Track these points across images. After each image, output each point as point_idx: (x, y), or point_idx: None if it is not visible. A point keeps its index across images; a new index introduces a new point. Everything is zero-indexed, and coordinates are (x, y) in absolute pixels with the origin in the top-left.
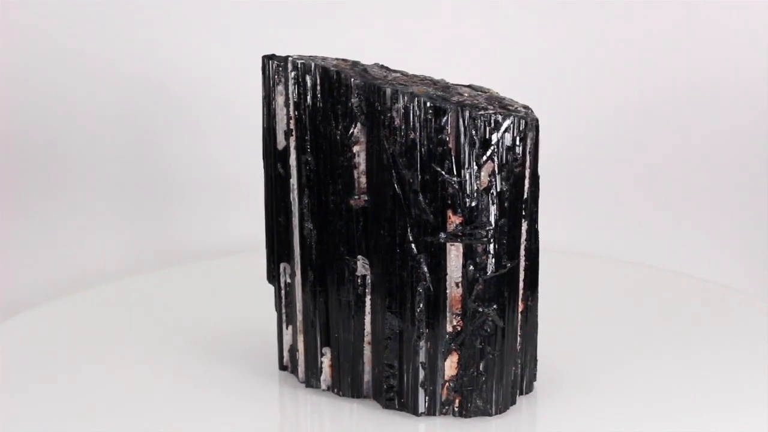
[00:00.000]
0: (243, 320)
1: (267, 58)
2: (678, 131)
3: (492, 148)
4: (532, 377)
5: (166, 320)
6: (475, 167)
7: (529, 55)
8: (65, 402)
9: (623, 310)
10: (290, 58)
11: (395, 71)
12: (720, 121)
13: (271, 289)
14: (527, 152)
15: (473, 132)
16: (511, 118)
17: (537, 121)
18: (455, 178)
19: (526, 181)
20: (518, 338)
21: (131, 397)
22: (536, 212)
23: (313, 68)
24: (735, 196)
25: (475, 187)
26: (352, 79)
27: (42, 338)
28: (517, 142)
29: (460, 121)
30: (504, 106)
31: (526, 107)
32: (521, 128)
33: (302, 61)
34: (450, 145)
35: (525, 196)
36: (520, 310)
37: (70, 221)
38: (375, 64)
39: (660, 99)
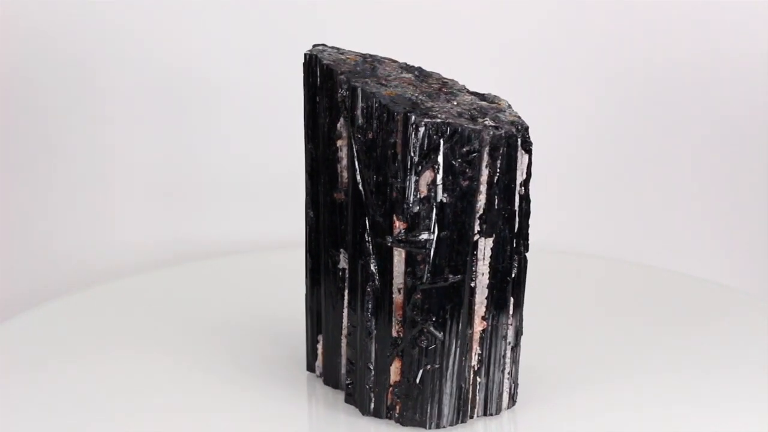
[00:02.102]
0: (274, 307)
1: (315, 46)
2: (678, 130)
3: (431, 157)
4: (504, 400)
5: (169, 318)
6: (415, 175)
7: (530, 53)
8: (67, 402)
9: (622, 311)
10: (307, 50)
11: (414, 71)
12: (720, 120)
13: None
14: (484, 167)
15: (415, 139)
16: (459, 130)
17: (513, 139)
18: (399, 184)
19: (481, 197)
20: (475, 357)
21: (133, 395)
22: (508, 231)
23: (316, 60)
24: (735, 196)
25: (414, 195)
26: (339, 75)
27: (42, 339)
28: (466, 156)
29: (408, 126)
30: (474, 118)
31: (513, 124)
32: (473, 142)
33: (312, 53)
34: (397, 149)
35: (480, 212)
36: (479, 328)
37: (70, 221)
38: (401, 63)
39: (661, 98)
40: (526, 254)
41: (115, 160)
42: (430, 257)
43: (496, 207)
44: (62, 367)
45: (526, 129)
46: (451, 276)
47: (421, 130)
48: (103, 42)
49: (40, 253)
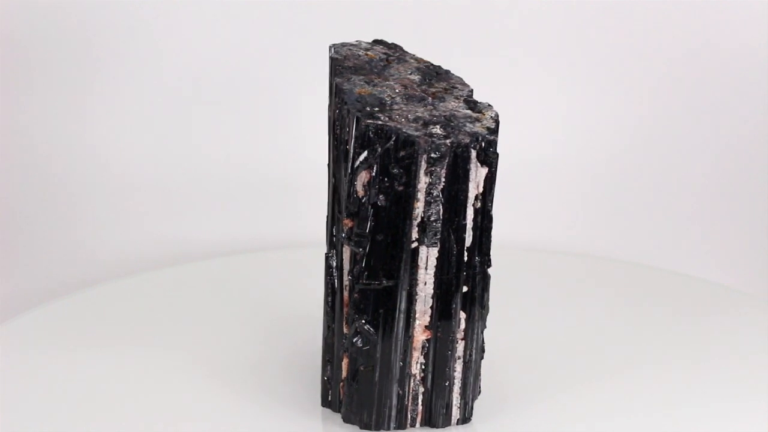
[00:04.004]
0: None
1: (375, 42)
2: (678, 130)
3: (364, 157)
4: (454, 415)
5: (171, 318)
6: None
7: (530, 54)
8: (66, 403)
9: (620, 311)
10: (332, 43)
11: (430, 73)
12: (720, 120)
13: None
14: (422, 174)
15: (355, 138)
16: (397, 134)
17: (464, 150)
18: (346, 182)
19: (419, 204)
20: (416, 365)
21: (135, 397)
22: (456, 243)
23: (332, 53)
24: (735, 196)
25: (354, 194)
26: (337, 68)
27: (41, 340)
28: (402, 161)
29: (354, 126)
30: (428, 124)
31: (473, 135)
32: (408, 148)
33: (334, 46)
34: (348, 147)
35: (419, 219)
36: (422, 337)
37: (70, 220)
38: (423, 65)
39: (661, 98)
40: (487, 270)
41: (115, 160)
42: (366, 259)
43: (441, 217)
44: (61, 368)
45: (489, 143)
46: (384, 280)
47: (361, 130)
48: (107, 39)
49: (40, 253)
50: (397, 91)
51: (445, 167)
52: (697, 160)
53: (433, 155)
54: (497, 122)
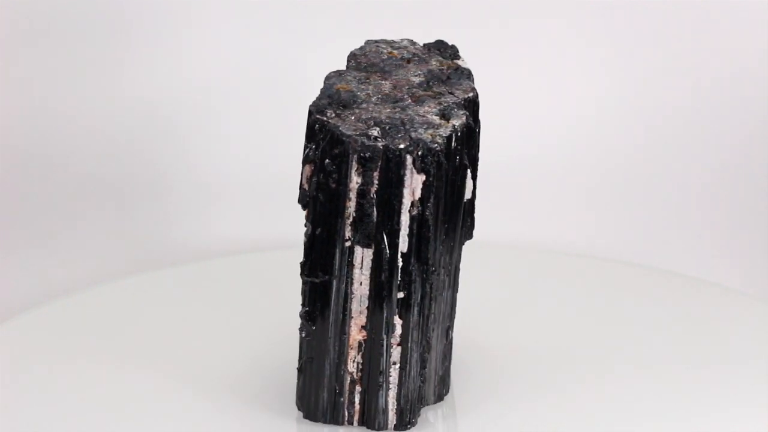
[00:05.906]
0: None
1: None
2: (678, 130)
3: (306, 151)
4: (390, 419)
5: (171, 319)
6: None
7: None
8: (66, 404)
9: (620, 311)
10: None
11: (438, 77)
12: (720, 120)
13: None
14: (353, 174)
15: (305, 132)
16: (333, 132)
17: (397, 154)
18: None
19: (351, 203)
20: (352, 364)
21: (135, 397)
22: (389, 247)
23: (356, 48)
24: (735, 196)
25: (302, 187)
26: (349, 63)
27: (43, 339)
28: (335, 158)
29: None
30: (376, 125)
31: (414, 141)
32: (339, 147)
33: (368, 42)
34: None
35: (351, 218)
36: (358, 336)
37: (70, 220)
38: (438, 69)
39: (663, 96)
40: (426, 279)
41: (114, 160)
42: (307, 250)
43: (374, 219)
44: (60, 368)
45: (429, 150)
46: (320, 274)
47: (309, 124)
48: (106, 38)
49: (40, 253)
50: (382, 90)
51: (378, 170)
52: (697, 160)
53: (363, 156)
54: (458, 132)
